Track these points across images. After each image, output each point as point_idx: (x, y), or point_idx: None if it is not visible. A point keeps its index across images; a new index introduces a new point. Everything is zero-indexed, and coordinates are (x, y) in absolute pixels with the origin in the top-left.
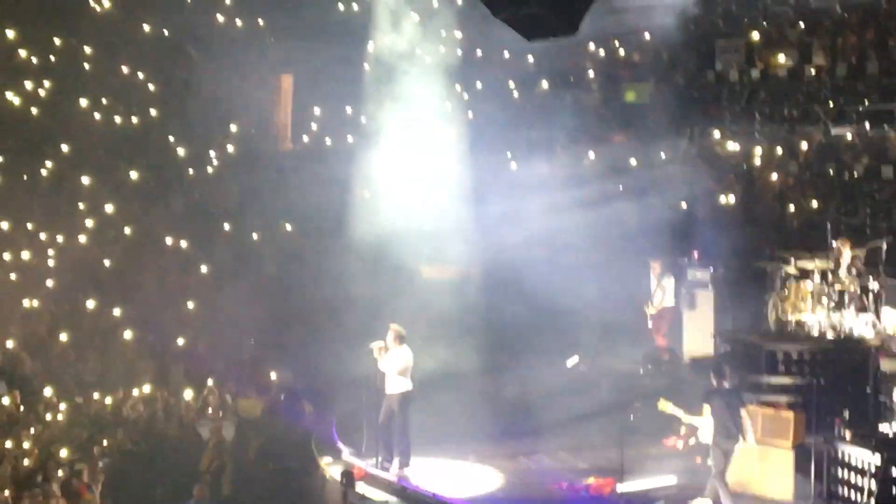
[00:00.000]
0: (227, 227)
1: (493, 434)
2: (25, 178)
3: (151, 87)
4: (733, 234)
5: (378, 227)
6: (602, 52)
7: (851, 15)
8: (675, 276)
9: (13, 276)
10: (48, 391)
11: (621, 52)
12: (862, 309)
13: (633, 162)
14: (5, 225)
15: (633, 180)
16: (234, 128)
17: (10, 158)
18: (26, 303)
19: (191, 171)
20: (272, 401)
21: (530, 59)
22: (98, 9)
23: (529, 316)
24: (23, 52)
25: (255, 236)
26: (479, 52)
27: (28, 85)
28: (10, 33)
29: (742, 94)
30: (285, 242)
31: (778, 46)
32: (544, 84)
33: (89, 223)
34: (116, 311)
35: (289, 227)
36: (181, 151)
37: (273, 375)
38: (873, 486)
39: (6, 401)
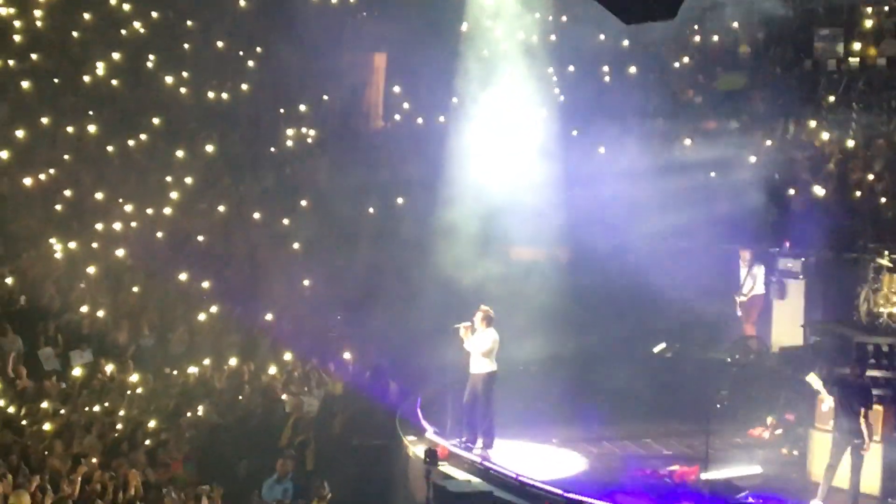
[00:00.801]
0: (316, 203)
1: (577, 418)
2: (118, 149)
3: (245, 62)
4: (826, 224)
5: (468, 207)
6: (698, 39)
7: None
8: (765, 265)
9: (104, 247)
10: (137, 360)
11: (717, 38)
12: None
13: (726, 150)
14: (100, 195)
15: (725, 168)
16: (325, 104)
17: (103, 130)
18: (117, 272)
19: (283, 146)
20: (357, 378)
21: (625, 43)
22: None
23: (617, 301)
24: (123, 24)
25: (344, 213)
26: (573, 35)
27: (123, 58)
28: (107, 7)
29: (839, 83)
30: (375, 220)
31: (878, 36)
32: (637, 69)
33: (179, 196)
34: (205, 284)
35: (377, 206)
36: (273, 127)
37: (359, 353)
38: None
39: (94, 369)
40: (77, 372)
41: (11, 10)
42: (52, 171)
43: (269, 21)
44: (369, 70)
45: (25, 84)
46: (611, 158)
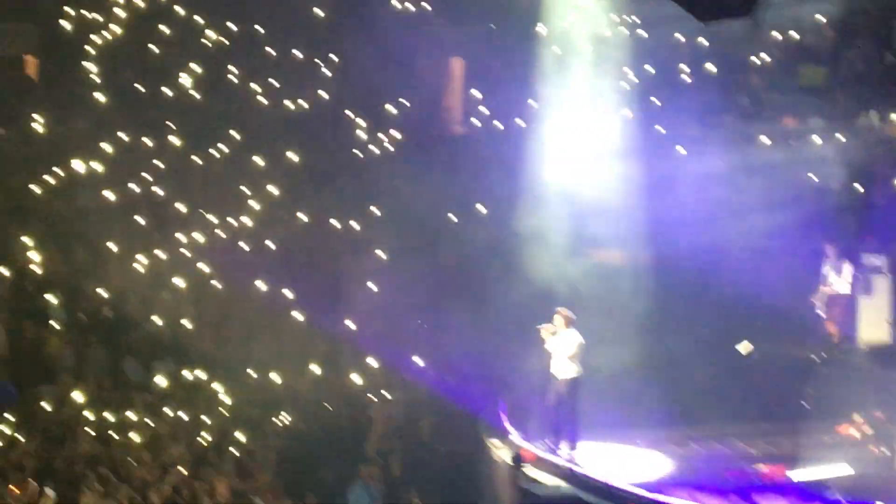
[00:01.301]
0: (396, 210)
1: (662, 419)
2: (199, 160)
3: (322, 70)
4: None
5: (549, 210)
6: (777, 35)
7: None
8: (850, 261)
9: (187, 257)
10: (221, 370)
11: (795, 34)
12: None
13: (807, 147)
14: (180, 207)
15: (806, 165)
16: (404, 111)
17: (185, 142)
18: (199, 282)
19: (362, 154)
20: (441, 383)
21: (703, 42)
22: None
23: (700, 301)
24: (201, 35)
25: (425, 219)
26: (650, 36)
27: (203, 69)
28: (185, 19)
29: None
30: (455, 226)
31: None
32: (716, 68)
33: (261, 205)
34: (287, 292)
35: (457, 211)
36: (351, 135)
37: (442, 358)
38: None
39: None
40: (161, 382)
41: (91, 24)
42: (133, 183)
43: (346, 29)
44: (447, 75)
45: (105, 97)
46: (690, 159)
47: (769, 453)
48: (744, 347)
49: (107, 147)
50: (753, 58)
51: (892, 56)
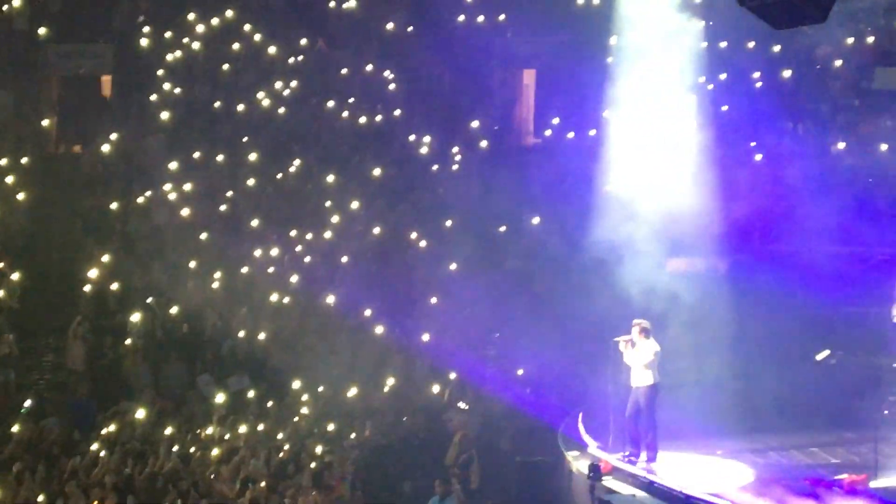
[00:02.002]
0: (471, 222)
1: (742, 429)
2: (275, 176)
3: (395, 84)
4: None
5: (622, 220)
6: (851, 40)
7: None
8: None
9: (263, 272)
10: (298, 384)
11: (871, 38)
12: None
13: (885, 152)
14: (255, 222)
15: (885, 170)
16: (476, 123)
17: (260, 158)
18: (276, 297)
19: (435, 167)
20: (518, 394)
21: (776, 48)
22: (343, 7)
23: (777, 309)
24: (271, 52)
25: (499, 231)
26: (723, 43)
27: (277, 85)
28: (258, 36)
29: None
30: (530, 237)
31: None
32: (790, 73)
33: (336, 219)
34: (364, 306)
35: (534, 221)
36: (425, 148)
37: (519, 369)
38: None
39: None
40: (220, 399)
41: (164, 43)
42: (208, 199)
43: (419, 42)
44: (519, 87)
45: (179, 114)
46: (767, 165)
47: (850, 462)
48: (822, 355)
49: (182, 164)
50: (829, 63)
51: None
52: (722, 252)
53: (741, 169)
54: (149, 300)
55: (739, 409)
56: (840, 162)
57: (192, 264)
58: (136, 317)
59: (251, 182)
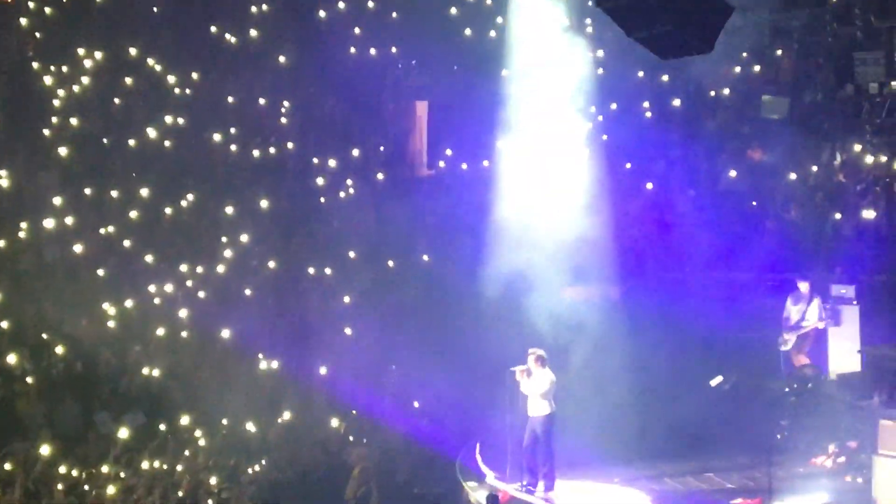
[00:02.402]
0: (366, 253)
1: (639, 456)
2: (166, 210)
3: (288, 117)
4: (877, 248)
5: (516, 250)
6: (738, 69)
7: None
8: (819, 293)
9: (157, 307)
10: (190, 419)
11: (757, 68)
12: None
13: (772, 178)
14: (149, 258)
15: (772, 196)
16: (370, 155)
17: (152, 191)
18: (170, 332)
19: (328, 198)
20: (415, 426)
21: (665, 77)
22: (234, 41)
23: (671, 335)
24: (164, 85)
25: (391, 263)
26: (612, 73)
27: (168, 119)
28: (150, 69)
29: (883, 106)
30: (425, 268)
31: None
32: (679, 102)
33: (230, 254)
34: (258, 340)
35: (426, 255)
36: (319, 180)
37: (415, 402)
38: None
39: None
40: (123, 434)
41: (53, 77)
42: (100, 235)
43: (312, 74)
44: (412, 118)
45: (69, 150)
46: (658, 193)
47: (746, 487)
48: (715, 381)
49: (73, 200)
50: (716, 92)
51: (852, 87)
52: (615, 280)
53: (633, 197)
54: (43, 336)
55: (636, 436)
56: (731, 189)
57: (84, 301)
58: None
59: (142, 217)
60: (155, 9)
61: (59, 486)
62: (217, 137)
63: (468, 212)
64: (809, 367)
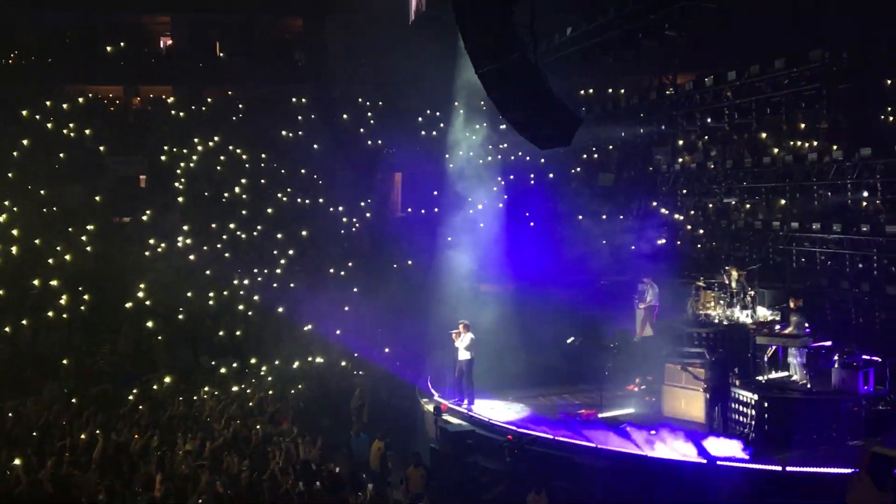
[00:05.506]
0: (363, 263)
1: (523, 385)
2: (244, 236)
3: (319, 181)
4: (670, 261)
5: (456, 262)
6: (584, 156)
7: (732, 130)
8: (657, 285)
9: (239, 294)
10: (256, 361)
11: (595, 155)
12: (744, 306)
13: (608, 223)
14: (235, 264)
15: (607, 229)
16: (369, 202)
17: (237, 224)
18: (245, 308)
19: (340, 231)
20: (392, 365)
21: (542, 160)
22: (288, 134)
23: (546, 312)
24: (243, 160)
25: (382, 269)
26: (511, 157)
27: (244, 181)
28: (237, 150)
29: (670, 179)
30: (400, 271)
31: (691, 149)
32: (552, 175)
33: (283, 262)
34: (300, 313)
35: (401, 264)
36: (338, 215)
37: (395, 350)
38: (752, 413)
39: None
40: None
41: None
42: (205, 250)
43: (334, 154)
44: (392, 182)
45: (186, 199)
46: (540, 229)
47: (587, 402)
48: (570, 339)
49: (190, 229)
50: (573, 169)
51: (651, 168)
52: (514, 279)
53: (524, 229)
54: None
55: (522, 373)
56: (581, 225)
57: (196, 289)
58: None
59: (230, 239)
60: (241, 115)
61: (180, 398)
62: (279, 193)
63: (425, 238)
64: (626, 331)
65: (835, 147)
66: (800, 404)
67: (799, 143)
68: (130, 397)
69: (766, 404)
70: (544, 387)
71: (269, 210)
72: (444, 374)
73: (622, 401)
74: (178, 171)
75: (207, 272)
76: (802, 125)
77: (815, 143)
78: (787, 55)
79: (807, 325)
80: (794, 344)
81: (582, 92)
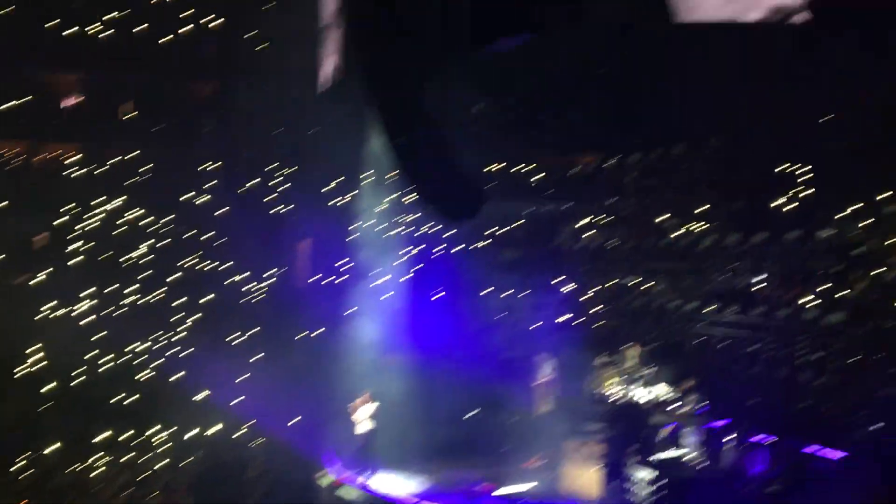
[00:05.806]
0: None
1: (427, 456)
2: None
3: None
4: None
5: (361, 331)
6: (489, 230)
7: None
8: (557, 361)
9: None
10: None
11: (500, 230)
12: (642, 385)
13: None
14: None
15: (516, 305)
16: (275, 269)
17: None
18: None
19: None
20: (293, 435)
21: (448, 233)
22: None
23: (451, 385)
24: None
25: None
26: (418, 229)
27: None
28: None
29: (572, 256)
30: (306, 343)
31: (594, 227)
32: (462, 246)
33: None
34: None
35: (312, 332)
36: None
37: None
38: (648, 491)
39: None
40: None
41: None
42: None
43: (239, 220)
44: (298, 250)
45: None
46: (444, 301)
47: (486, 476)
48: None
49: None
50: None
51: (558, 241)
52: (416, 350)
53: (428, 303)
54: None
55: (424, 446)
56: (487, 301)
57: None
58: None
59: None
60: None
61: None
62: (181, 257)
63: (330, 307)
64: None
65: (733, 231)
66: (695, 483)
67: (698, 225)
68: (15, 466)
69: (661, 482)
70: (445, 459)
71: (171, 274)
72: (344, 445)
73: (522, 476)
74: (78, 232)
75: (104, 335)
76: (705, 206)
77: (715, 225)
78: (688, 140)
79: (703, 404)
80: (690, 423)
81: (489, 168)
